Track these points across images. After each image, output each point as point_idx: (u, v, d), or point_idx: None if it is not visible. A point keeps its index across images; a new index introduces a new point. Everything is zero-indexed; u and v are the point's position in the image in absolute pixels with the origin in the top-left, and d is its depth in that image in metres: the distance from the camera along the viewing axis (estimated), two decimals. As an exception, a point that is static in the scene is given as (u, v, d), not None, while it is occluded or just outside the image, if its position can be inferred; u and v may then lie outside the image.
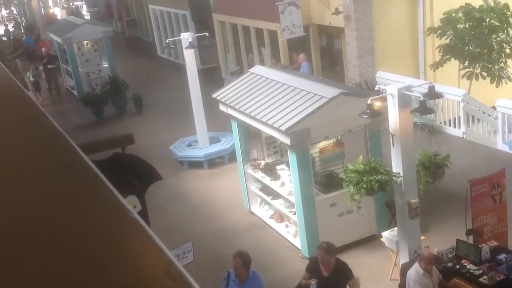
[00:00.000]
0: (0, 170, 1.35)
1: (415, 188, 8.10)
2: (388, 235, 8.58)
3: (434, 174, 8.17)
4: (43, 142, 1.64)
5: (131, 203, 6.56)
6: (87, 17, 35.17)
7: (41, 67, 22.88)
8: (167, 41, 15.70)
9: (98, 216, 1.14)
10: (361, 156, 8.20)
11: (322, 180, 9.35)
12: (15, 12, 42.32)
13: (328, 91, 8.88)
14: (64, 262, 0.96)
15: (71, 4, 40.19)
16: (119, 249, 1.02)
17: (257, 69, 11.18)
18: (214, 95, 10.92)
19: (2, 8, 47.42)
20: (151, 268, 0.96)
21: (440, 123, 13.52)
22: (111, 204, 1.17)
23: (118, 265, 0.98)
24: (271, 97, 9.58)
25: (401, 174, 7.95)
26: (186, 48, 13.38)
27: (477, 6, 13.58)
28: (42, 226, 1.08)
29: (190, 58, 13.51)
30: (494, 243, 8.01)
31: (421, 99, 7.60)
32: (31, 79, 20.92)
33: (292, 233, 9.90)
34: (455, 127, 13.35)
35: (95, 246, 1.01)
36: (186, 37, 13.42)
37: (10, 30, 34.66)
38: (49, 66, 21.66)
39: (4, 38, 28.05)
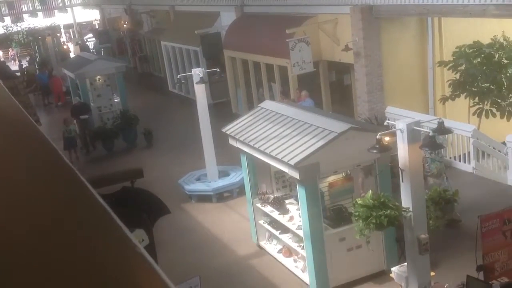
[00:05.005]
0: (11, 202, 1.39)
1: (425, 224, 8.05)
2: (397, 270, 8.49)
3: (444, 209, 8.14)
4: (52, 175, 1.68)
5: (138, 237, 6.57)
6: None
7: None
8: (178, 77, 15.90)
9: (105, 250, 1.16)
10: (370, 191, 8.19)
11: (331, 214, 9.32)
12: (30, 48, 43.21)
13: (338, 126, 8.93)
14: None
15: (85, 40, 40.92)
16: (124, 284, 1.05)
17: (267, 104, 11.28)
18: (223, 129, 11.01)
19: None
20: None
21: (450, 158, 13.49)
22: (118, 238, 1.20)
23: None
24: (280, 132, 9.63)
25: (411, 209, 7.91)
26: (197, 83, 13.55)
27: (485, 43, 13.72)
28: (47, 259, 1.11)
29: (200, 93, 13.67)
30: (505, 279, 7.93)
31: (430, 134, 7.63)
32: (66, 135, 17.92)
33: (301, 268, 9.82)
34: (465, 162, 13.31)
35: (100, 281, 1.04)
36: (197, 72, 13.60)
37: (23, 66, 35.28)
38: (81, 117, 18.71)
39: (18, 74, 28.47)
